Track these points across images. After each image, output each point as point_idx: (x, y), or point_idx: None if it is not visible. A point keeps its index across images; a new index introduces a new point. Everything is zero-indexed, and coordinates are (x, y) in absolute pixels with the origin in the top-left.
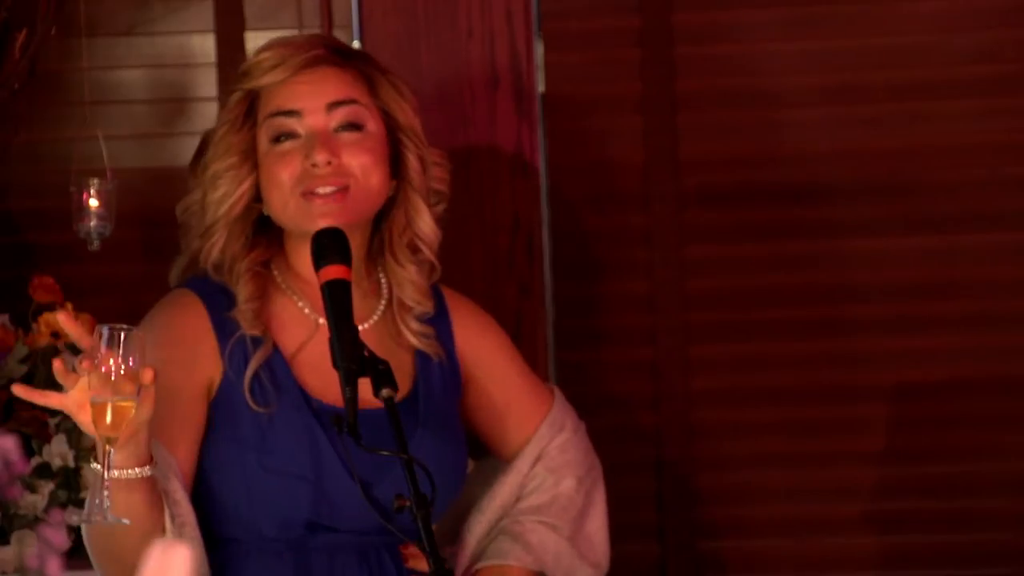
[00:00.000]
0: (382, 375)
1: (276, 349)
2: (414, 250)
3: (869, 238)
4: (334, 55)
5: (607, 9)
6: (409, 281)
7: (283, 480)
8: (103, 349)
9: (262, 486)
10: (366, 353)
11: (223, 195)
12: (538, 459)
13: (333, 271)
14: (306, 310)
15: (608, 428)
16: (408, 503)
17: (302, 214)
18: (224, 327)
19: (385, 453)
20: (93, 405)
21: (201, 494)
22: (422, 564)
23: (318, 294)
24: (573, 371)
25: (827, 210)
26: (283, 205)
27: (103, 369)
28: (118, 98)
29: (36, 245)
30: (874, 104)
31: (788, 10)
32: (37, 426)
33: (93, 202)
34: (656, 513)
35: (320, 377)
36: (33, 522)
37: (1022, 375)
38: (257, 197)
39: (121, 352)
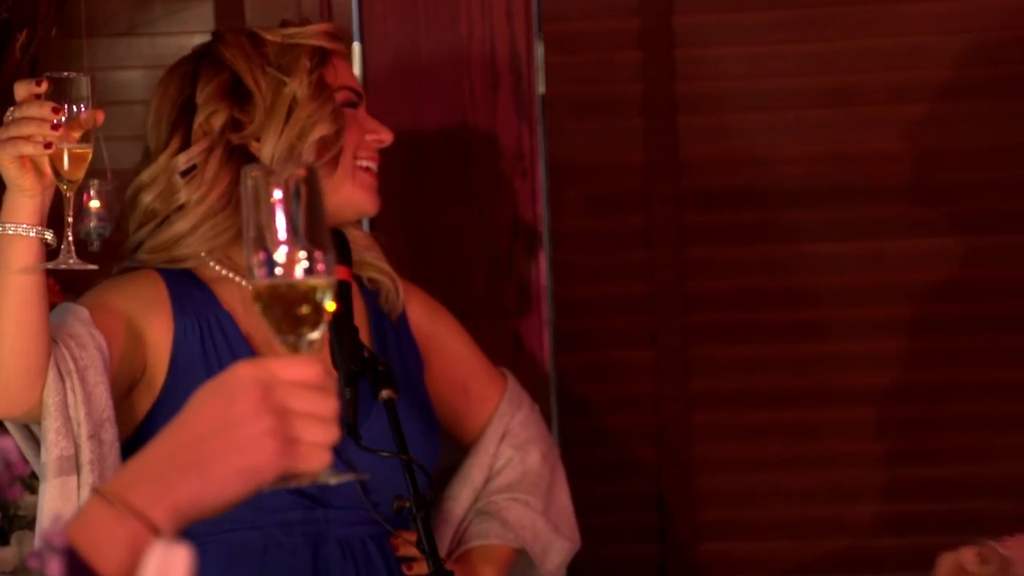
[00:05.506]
0: (382, 376)
1: (237, 328)
2: None
3: (870, 240)
4: None
5: (607, 11)
6: (374, 264)
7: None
8: (46, 96)
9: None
10: (366, 354)
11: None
12: (503, 438)
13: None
14: (242, 283)
15: (608, 429)
16: (408, 504)
17: (357, 189)
18: (183, 306)
19: (385, 454)
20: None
21: None
22: (411, 550)
23: None
24: (573, 372)
25: (827, 212)
26: (338, 170)
27: (55, 117)
28: (118, 99)
29: None
30: (874, 106)
31: (788, 12)
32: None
33: (93, 203)
34: (656, 514)
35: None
36: (33, 523)
37: (1021, 378)
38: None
39: (69, 98)
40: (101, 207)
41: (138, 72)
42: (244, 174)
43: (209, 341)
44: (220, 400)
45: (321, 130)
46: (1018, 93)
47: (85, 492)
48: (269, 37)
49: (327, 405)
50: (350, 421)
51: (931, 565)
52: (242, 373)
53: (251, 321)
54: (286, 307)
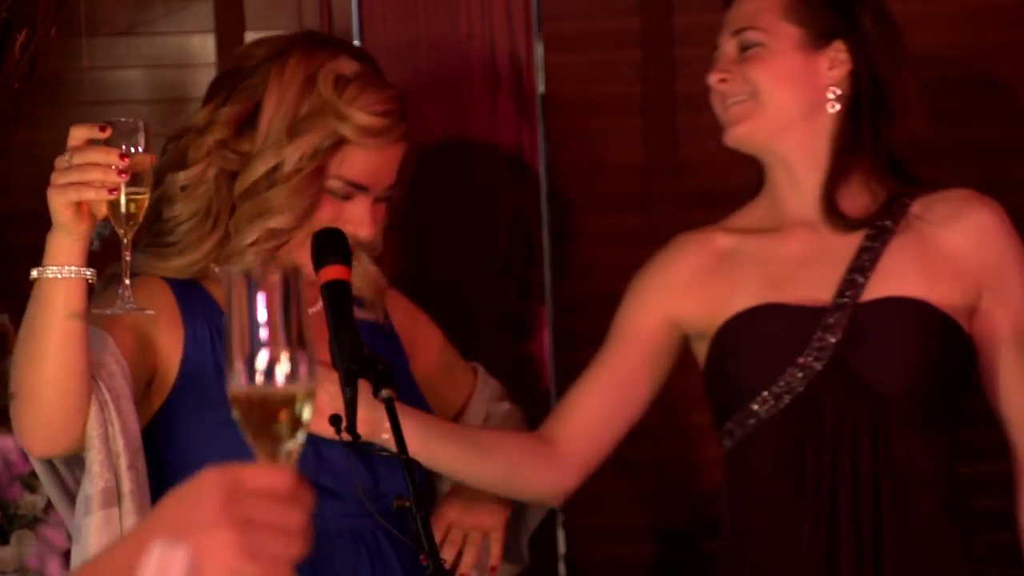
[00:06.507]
0: (382, 375)
1: None
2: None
3: None
4: (406, 122)
5: (607, 10)
6: (362, 272)
7: None
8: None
9: None
10: (365, 351)
11: (278, 232)
12: (486, 420)
13: (334, 271)
14: None
15: None
16: (407, 503)
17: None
18: (191, 311)
19: (385, 453)
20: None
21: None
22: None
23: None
24: (573, 372)
25: None
26: (300, 241)
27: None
28: (118, 98)
29: (35, 245)
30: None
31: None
32: None
33: None
34: (655, 513)
35: None
36: (33, 522)
37: None
38: None
39: (127, 142)
40: None
41: (137, 72)
42: (225, 275)
43: (219, 343)
44: (183, 505)
45: (278, 221)
46: (1018, 93)
47: (128, 522)
48: (322, 87)
49: (294, 518)
50: (350, 420)
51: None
52: (208, 479)
53: None
54: (264, 414)
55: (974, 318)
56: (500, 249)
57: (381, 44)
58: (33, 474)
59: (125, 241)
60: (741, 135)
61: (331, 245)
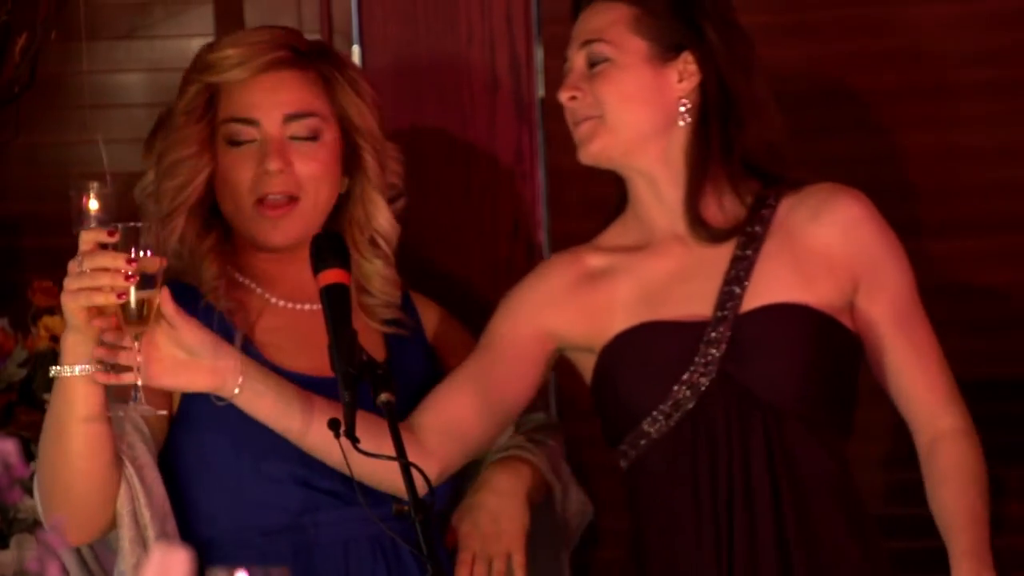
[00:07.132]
0: (380, 380)
1: (246, 337)
2: (376, 244)
3: None
4: (296, 56)
5: None
6: (377, 274)
7: (277, 485)
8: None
9: (254, 489)
10: (364, 357)
11: (180, 184)
12: (516, 427)
13: (332, 275)
14: (251, 285)
15: None
16: (406, 507)
17: (254, 225)
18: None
19: (384, 457)
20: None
21: (182, 494)
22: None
23: (266, 274)
24: (573, 373)
25: None
26: (236, 208)
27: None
28: (118, 102)
29: (35, 249)
30: (872, 108)
31: (786, 15)
32: (37, 430)
33: (92, 206)
34: None
35: (286, 353)
36: (32, 526)
37: (1015, 377)
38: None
39: (131, 245)
40: (100, 210)
41: (137, 75)
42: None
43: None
44: None
45: (175, 178)
46: (1017, 94)
47: None
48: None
49: None
50: (349, 425)
51: (930, 566)
52: None
53: (245, 322)
54: None
55: (855, 311)
56: (500, 253)
57: (381, 47)
58: (33, 478)
59: (137, 344)
60: (594, 152)
61: (329, 248)
